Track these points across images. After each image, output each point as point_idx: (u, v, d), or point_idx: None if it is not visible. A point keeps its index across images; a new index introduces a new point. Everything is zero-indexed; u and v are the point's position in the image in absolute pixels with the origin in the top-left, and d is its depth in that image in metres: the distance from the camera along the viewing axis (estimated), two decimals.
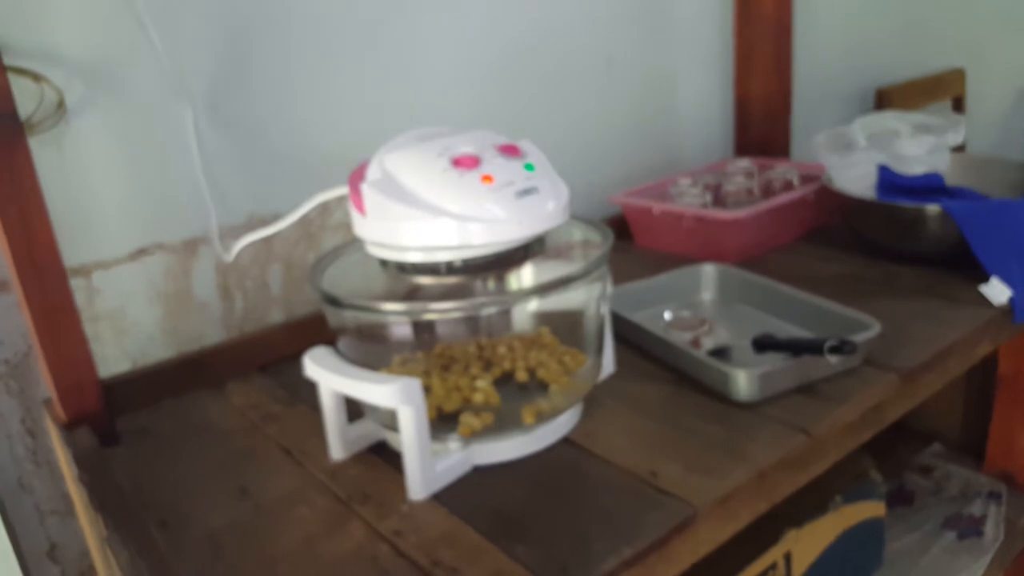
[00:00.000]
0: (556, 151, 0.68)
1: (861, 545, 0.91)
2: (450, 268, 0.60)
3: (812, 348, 0.67)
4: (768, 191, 1.11)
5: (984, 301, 0.83)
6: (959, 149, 1.10)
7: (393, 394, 0.56)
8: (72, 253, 0.76)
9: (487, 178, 0.58)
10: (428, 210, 0.57)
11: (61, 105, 0.74)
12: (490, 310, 0.60)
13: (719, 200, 1.11)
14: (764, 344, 0.71)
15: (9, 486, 0.79)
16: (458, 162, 0.59)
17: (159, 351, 0.84)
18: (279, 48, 0.85)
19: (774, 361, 0.68)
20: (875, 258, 0.97)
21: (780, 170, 1.13)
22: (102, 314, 0.80)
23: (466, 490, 0.60)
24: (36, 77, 0.72)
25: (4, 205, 0.63)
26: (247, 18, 0.83)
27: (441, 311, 0.59)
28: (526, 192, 0.59)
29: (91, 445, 0.67)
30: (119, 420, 0.74)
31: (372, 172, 0.60)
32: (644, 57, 1.21)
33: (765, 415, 0.65)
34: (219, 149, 0.83)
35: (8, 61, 0.65)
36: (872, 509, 0.91)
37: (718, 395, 0.69)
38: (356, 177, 0.61)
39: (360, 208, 0.60)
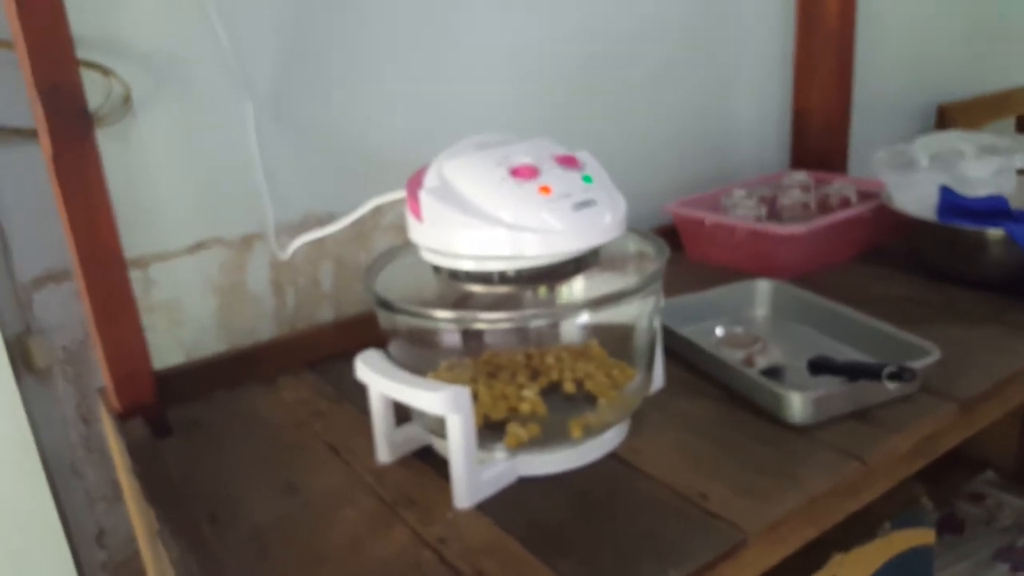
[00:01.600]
0: (608, 157, 0.67)
1: (908, 573, 0.88)
2: (503, 278, 0.60)
3: (870, 373, 0.65)
4: (825, 206, 1.09)
5: None
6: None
7: (443, 401, 0.56)
8: (131, 244, 0.77)
9: (545, 189, 0.58)
10: (484, 219, 0.57)
11: (128, 99, 0.75)
12: (540, 322, 0.60)
13: (774, 213, 1.09)
14: (820, 366, 0.69)
15: (62, 471, 0.80)
16: (516, 172, 0.59)
17: (212, 344, 0.85)
18: (340, 48, 0.86)
19: (829, 385, 0.67)
20: (935, 281, 0.95)
21: (837, 185, 1.11)
22: (157, 305, 0.81)
23: (511, 501, 0.59)
24: (105, 71, 0.73)
25: (71, 197, 0.64)
26: (310, 17, 0.83)
27: (491, 321, 0.59)
28: (583, 204, 0.58)
29: (144, 436, 0.68)
30: (171, 411, 0.75)
31: (430, 179, 0.60)
32: (701, 65, 1.19)
33: (818, 440, 0.64)
34: (278, 146, 0.84)
35: (79, 54, 0.66)
36: (921, 537, 0.89)
37: (770, 416, 0.68)
38: (414, 183, 0.61)
39: (417, 214, 0.61)
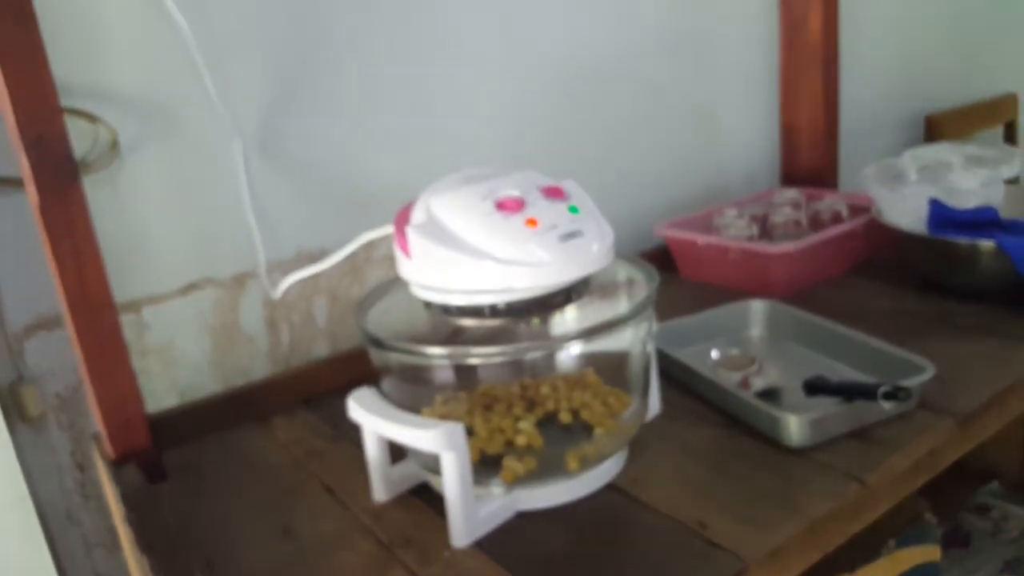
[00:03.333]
0: (598, 180, 0.68)
1: None
2: (494, 311, 0.60)
3: (865, 393, 0.65)
4: (816, 223, 1.09)
5: None
6: (1013, 181, 1.07)
7: (437, 439, 0.56)
8: (123, 289, 0.77)
9: (531, 221, 0.58)
10: (472, 254, 0.57)
11: (115, 144, 0.75)
12: (534, 354, 0.60)
13: (766, 232, 1.09)
14: (816, 387, 0.69)
15: (58, 518, 0.80)
16: (502, 205, 0.59)
17: (207, 384, 0.85)
18: (327, 84, 0.86)
19: (826, 405, 0.67)
20: (928, 293, 0.94)
21: (828, 201, 1.11)
22: (151, 348, 0.81)
23: (509, 537, 0.59)
24: (91, 118, 0.74)
25: (58, 245, 0.64)
26: (296, 56, 0.84)
27: (484, 355, 0.59)
28: (571, 235, 0.58)
29: (138, 483, 0.68)
30: (166, 454, 0.75)
31: (417, 215, 0.60)
32: (689, 85, 1.20)
33: (817, 462, 0.64)
34: (268, 185, 0.84)
35: (65, 102, 0.67)
36: (927, 554, 0.88)
37: (768, 439, 0.67)
38: (401, 219, 0.61)
39: (405, 251, 0.60)
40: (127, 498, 0.65)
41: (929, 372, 0.68)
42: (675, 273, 1.10)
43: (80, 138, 0.72)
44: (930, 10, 1.59)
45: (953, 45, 1.67)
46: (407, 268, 0.62)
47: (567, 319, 0.67)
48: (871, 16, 1.43)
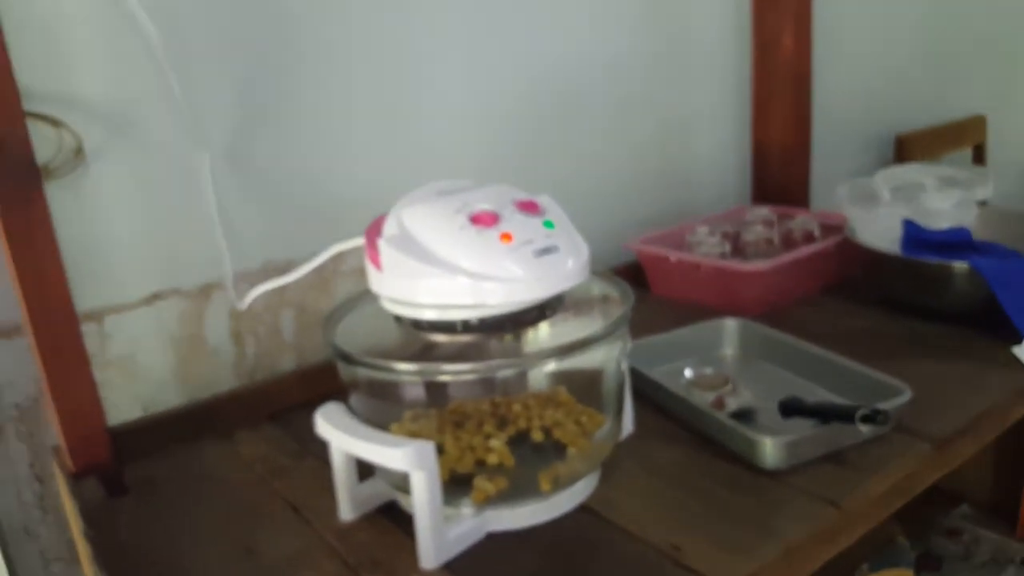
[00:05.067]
0: (571, 194, 0.67)
1: None
2: (466, 326, 0.59)
3: (842, 416, 0.64)
4: (788, 241, 1.09)
5: (1018, 363, 0.80)
6: (984, 203, 1.08)
7: (406, 458, 0.55)
8: (86, 298, 0.75)
9: (506, 236, 0.57)
10: (445, 268, 0.56)
11: (79, 151, 0.73)
12: (506, 372, 0.58)
13: (738, 249, 1.09)
14: (792, 409, 0.69)
15: (14, 532, 0.77)
16: (476, 219, 0.57)
17: (170, 397, 0.82)
18: (300, 96, 0.85)
19: (802, 427, 0.66)
20: (901, 314, 0.94)
21: (800, 220, 1.12)
22: (114, 359, 0.79)
23: (479, 559, 0.57)
24: (55, 123, 0.72)
25: (19, 252, 0.62)
26: (266, 66, 0.82)
27: (455, 372, 0.58)
28: (545, 251, 0.57)
29: (98, 497, 0.66)
30: (128, 468, 0.72)
31: (389, 227, 0.59)
32: (661, 101, 1.20)
33: (792, 485, 0.63)
34: (236, 195, 0.83)
35: (28, 107, 0.65)
36: None
37: (743, 461, 0.66)
38: (373, 231, 0.60)
39: (376, 263, 0.59)
40: (86, 513, 0.63)
41: (906, 395, 0.68)
42: (647, 289, 1.09)
43: (44, 143, 0.70)
44: (902, 32, 1.61)
45: (924, 67, 1.69)
46: (377, 281, 0.60)
47: (540, 336, 0.66)
48: (844, 37, 1.45)
